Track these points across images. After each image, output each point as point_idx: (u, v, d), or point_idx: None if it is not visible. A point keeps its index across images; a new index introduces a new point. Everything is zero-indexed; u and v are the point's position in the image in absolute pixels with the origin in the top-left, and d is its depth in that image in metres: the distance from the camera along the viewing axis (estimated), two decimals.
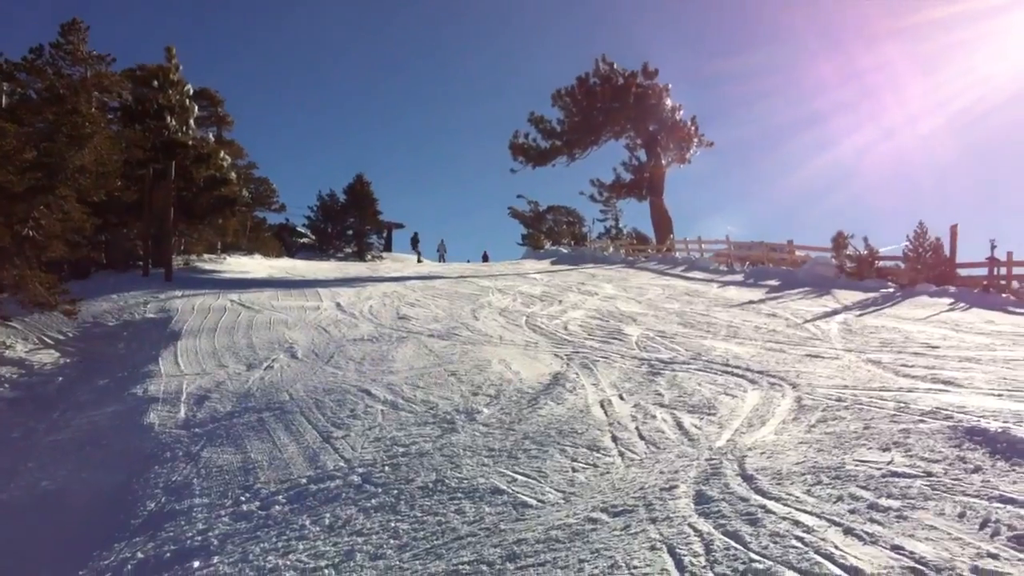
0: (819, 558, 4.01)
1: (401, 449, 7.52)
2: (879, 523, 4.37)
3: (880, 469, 5.25)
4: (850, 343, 10.83)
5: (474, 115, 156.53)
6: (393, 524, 5.69)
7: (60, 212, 20.09)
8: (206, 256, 36.22)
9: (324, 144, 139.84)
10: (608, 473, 6.09)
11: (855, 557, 3.97)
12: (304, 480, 7.13)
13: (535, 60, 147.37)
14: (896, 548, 4.03)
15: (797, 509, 4.72)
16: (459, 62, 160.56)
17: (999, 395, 7.16)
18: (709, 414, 7.48)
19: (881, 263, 21.29)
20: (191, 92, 36.78)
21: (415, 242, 51.68)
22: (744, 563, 4.09)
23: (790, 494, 4.99)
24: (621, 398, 8.49)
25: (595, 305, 17.36)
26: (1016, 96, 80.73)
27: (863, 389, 7.82)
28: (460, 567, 4.74)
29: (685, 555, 4.29)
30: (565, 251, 45.26)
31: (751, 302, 16.66)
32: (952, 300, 15.70)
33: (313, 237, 55.66)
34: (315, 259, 46.76)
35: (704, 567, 4.13)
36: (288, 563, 5.38)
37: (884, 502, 4.66)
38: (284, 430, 8.90)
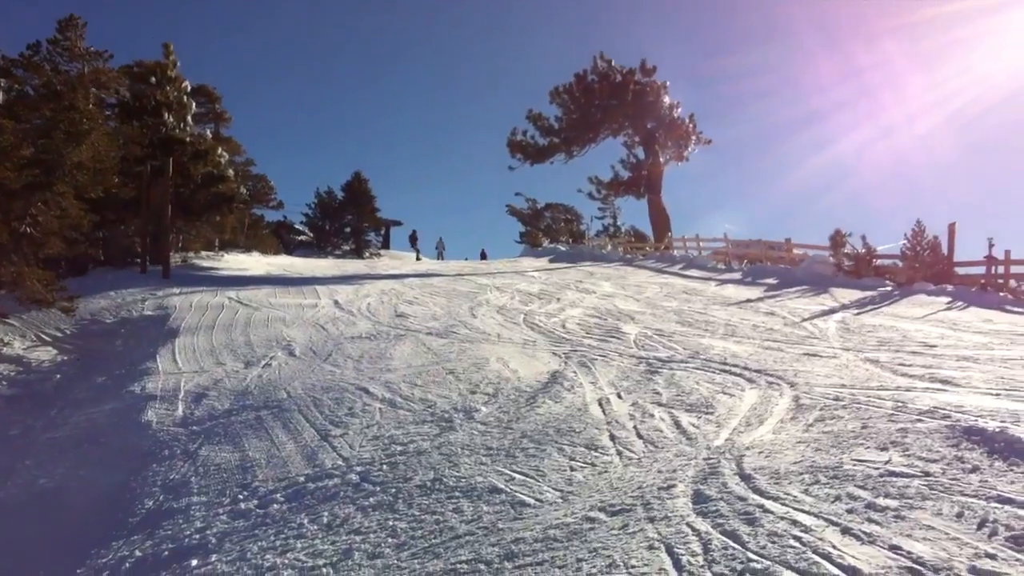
0: (817, 558, 4.01)
1: (399, 448, 7.52)
2: (877, 523, 4.38)
3: (878, 468, 5.25)
4: (848, 342, 10.83)
5: (472, 112, 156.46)
6: (391, 523, 5.69)
7: (58, 209, 20.07)
8: (204, 253, 36.17)
9: (322, 141, 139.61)
10: (606, 472, 6.09)
11: (853, 557, 3.97)
12: (302, 478, 7.13)
13: (533, 57, 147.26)
14: (894, 548, 4.03)
15: (795, 508, 4.72)
16: (457, 59, 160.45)
17: (997, 394, 7.16)
18: (707, 413, 7.48)
19: (879, 262, 21.28)
20: (189, 88, 36.69)
21: (414, 240, 51.62)
22: (742, 563, 4.09)
23: (788, 493, 5.00)
24: (619, 397, 8.49)
25: (593, 303, 17.36)
26: (1014, 95, 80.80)
27: (861, 388, 7.83)
28: (458, 566, 4.74)
29: (683, 554, 4.30)
30: (563, 249, 45.24)
31: (749, 300, 16.67)
32: (950, 299, 15.71)
33: (311, 234, 55.60)
34: (313, 257, 46.73)
35: (702, 566, 4.14)
36: (286, 562, 5.39)
37: (882, 502, 4.67)
38: (282, 428, 8.90)
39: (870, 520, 4.42)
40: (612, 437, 6.99)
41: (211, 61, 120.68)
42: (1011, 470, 4.99)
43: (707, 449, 6.30)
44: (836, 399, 7.41)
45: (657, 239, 41.25)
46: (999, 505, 4.44)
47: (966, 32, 60.70)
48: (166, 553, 6.15)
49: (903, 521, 4.36)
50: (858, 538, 4.21)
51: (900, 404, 6.96)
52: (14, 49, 29.71)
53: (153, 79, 34.15)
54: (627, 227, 60.07)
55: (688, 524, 4.71)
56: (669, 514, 4.92)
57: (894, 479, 5.02)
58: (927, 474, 5.06)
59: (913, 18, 70.80)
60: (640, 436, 6.95)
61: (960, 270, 19.21)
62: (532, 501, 5.65)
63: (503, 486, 6.05)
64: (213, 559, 5.79)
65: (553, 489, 5.84)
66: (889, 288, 18.15)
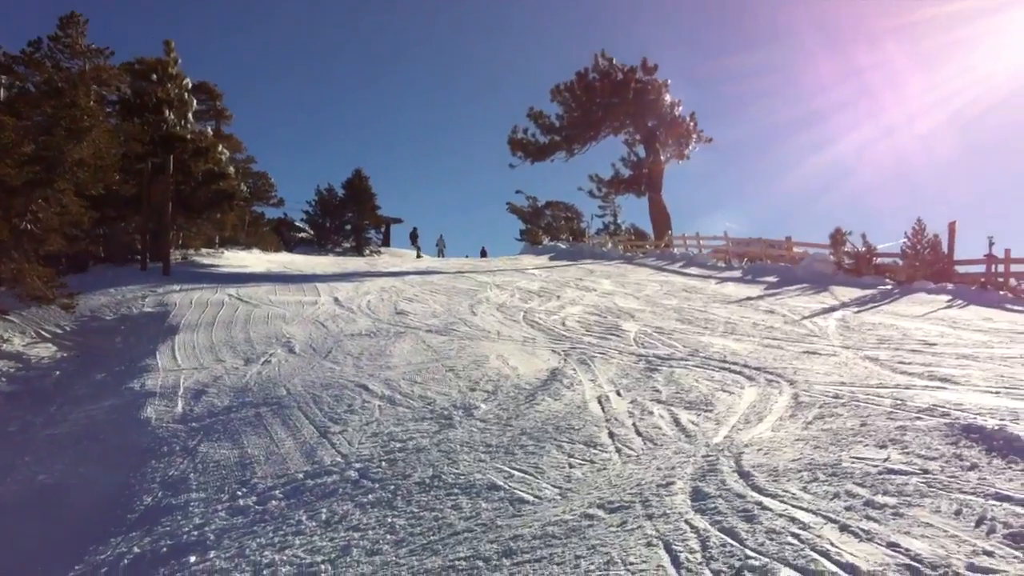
0: (815, 555, 4.01)
1: (398, 444, 7.52)
2: (875, 520, 4.38)
3: (876, 466, 5.25)
4: (847, 340, 10.83)
5: (473, 110, 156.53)
6: (390, 520, 5.70)
7: (58, 206, 20.09)
8: (204, 250, 36.17)
9: (323, 139, 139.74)
10: (605, 469, 6.09)
11: (851, 554, 3.97)
12: (301, 475, 7.13)
13: (534, 55, 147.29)
14: (892, 545, 4.03)
15: (793, 506, 4.72)
16: (458, 57, 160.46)
17: (996, 392, 7.16)
18: (706, 410, 7.48)
19: (879, 260, 21.27)
20: (190, 86, 36.72)
21: (414, 237, 51.59)
22: (740, 560, 4.09)
23: (786, 491, 5.00)
24: (618, 394, 8.49)
25: (593, 301, 17.35)
26: (1014, 94, 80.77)
27: (860, 386, 7.83)
28: (456, 563, 4.74)
29: (681, 552, 4.30)
30: (563, 247, 45.20)
31: (749, 298, 16.65)
32: (950, 297, 15.70)
33: (311, 232, 55.59)
34: (313, 254, 46.73)
35: (700, 563, 4.14)
36: (285, 558, 5.39)
37: (880, 499, 4.66)
38: (281, 425, 8.90)
39: (868, 517, 4.42)
40: (611, 434, 6.99)
41: (212, 58, 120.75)
42: (1009, 468, 4.99)
43: (706, 446, 6.30)
44: (835, 397, 7.41)
45: (657, 237, 41.23)
46: (997, 503, 4.44)
47: (966, 32, 60.73)
48: (165, 550, 6.16)
49: (901, 518, 4.36)
50: (856, 535, 4.21)
51: (899, 402, 6.96)
52: (15, 46, 29.67)
53: (154, 76, 34.17)
54: (627, 225, 60.02)
55: (686, 521, 4.71)
56: (668, 511, 4.92)
57: (893, 476, 5.02)
58: (926, 472, 5.06)
59: (913, 18, 70.88)
60: (639, 433, 6.95)
61: (960, 268, 19.21)
62: (531, 498, 5.65)
63: (502, 483, 6.05)
64: (211, 556, 5.79)
65: (552, 486, 5.84)
66: (889, 286, 18.14)
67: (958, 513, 4.37)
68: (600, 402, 8.18)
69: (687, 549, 4.32)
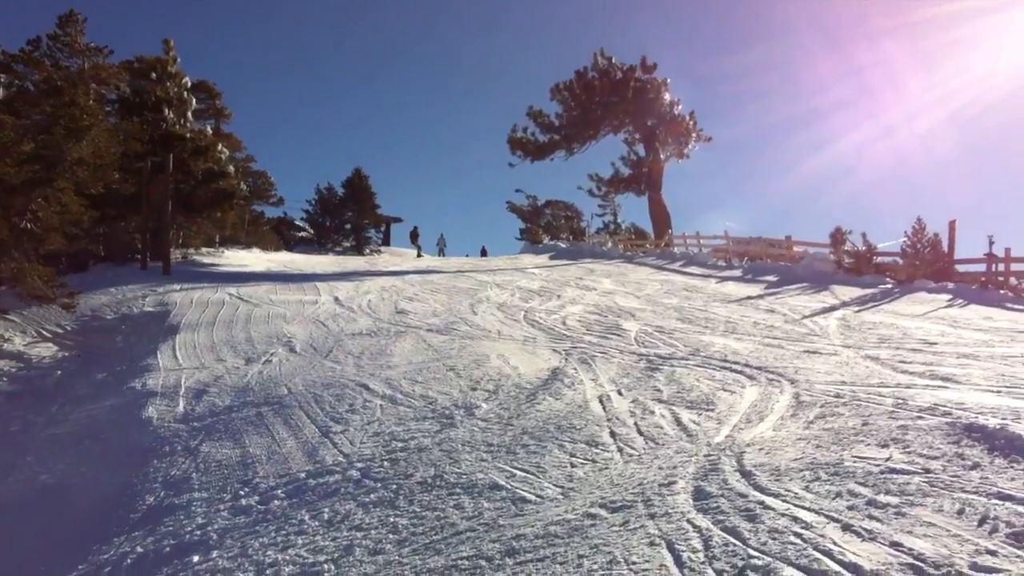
0: (818, 554, 4.02)
1: (400, 444, 7.53)
2: (878, 519, 4.38)
3: (878, 465, 5.26)
4: (848, 339, 10.83)
5: (473, 109, 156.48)
6: (392, 519, 5.70)
7: (58, 205, 20.09)
8: (204, 250, 36.20)
9: (322, 138, 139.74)
10: (607, 469, 6.09)
11: (854, 553, 3.98)
12: (303, 475, 7.14)
13: (534, 54, 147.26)
14: (895, 544, 4.04)
15: (795, 505, 4.73)
16: (458, 56, 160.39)
17: (997, 391, 7.16)
18: (707, 410, 7.48)
19: (879, 259, 21.27)
20: (189, 84, 36.70)
21: (414, 236, 51.53)
22: (743, 559, 4.10)
23: (788, 490, 5.00)
24: (619, 393, 8.49)
25: (593, 300, 17.35)
26: (1014, 94, 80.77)
27: (861, 385, 7.83)
28: (459, 562, 4.75)
29: (684, 551, 4.30)
30: (563, 246, 45.20)
31: (749, 298, 16.66)
32: (950, 296, 15.70)
33: (311, 231, 55.60)
34: (313, 253, 46.76)
35: (703, 563, 4.14)
36: (287, 558, 5.39)
37: (883, 498, 4.67)
38: (283, 424, 8.90)
39: (871, 517, 4.43)
40: (613, 434, 7.00)
41: (211, 57, 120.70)
42: (1011, 467, 4.99)
43: (708, 446, 6.30)
44: (837, 396, 7.42)
45: (657, 236, 41.21)
46: (1000, 502, 4.44)
47: (966, 31, 60.73)
48: (167, 549, 6.16)
49: (904, 518, 4.37)
50: (859, 535, 4.21)
51: (901, 401, 6.96)
52: (14, 45, 29.68)
53: (153, 75, 34.16)
54: (627, 224, 60.01)
55: (689, 521, 4.72)
56: (670, 511, 4.93)
57: (895, 476, 5.03)
58: (928, 471, 5.06)
59: (913, 17, 70.80)
60: (641, 433, 6.95)
61: (960, 268, 19.20)
62: (533, 497, 5.65)
63: (504, 483, 6.06)
64: (214, 555, 5.80)
65: (554, 486, 5.85)
66: (889, 285, 18.14)
67: (960, 512, 4.37)
68: (601, 401, 8.19)
69: (690, 548, 4.33)
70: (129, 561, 6.21)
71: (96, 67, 30.96)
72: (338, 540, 5.52)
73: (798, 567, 3.93)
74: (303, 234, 56.07)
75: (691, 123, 42.61)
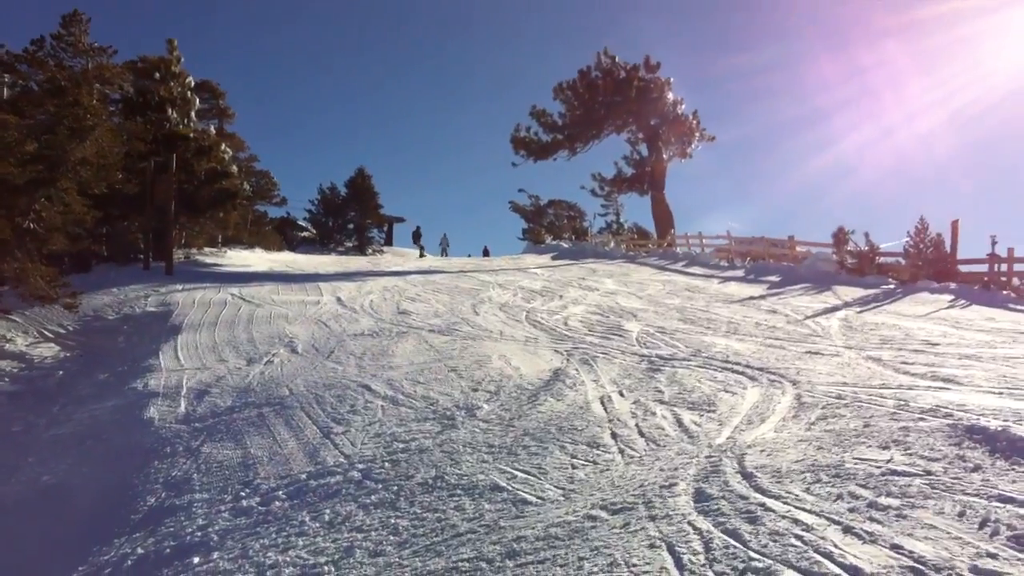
0: (818, 557, 4.01)
1: (401, 445, 7.53)
2: (878, 522, 4.37)
3: (880, 467, 5.25)
4: (850, 340, 10.82)
5: (475, 108, 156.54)
6: (393, 520, 5.70)
7: (61, 205, 20.13)
8: (207, 250, 36.26)
9: (325, 138, 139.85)
10: (608, 470, 6.09)
11: (854, 556, 3.97)
12: (304, 476, 7.14)
13: (537, 54, 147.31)
14: (895, 547, 4.03)
15: (796, 507, 4.72)
16: (460, 55, 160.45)
17: (999, 393, 7.15)
18: (709, 411, 7.48)
19: (882, 259, 21.25)
20: (192, 84, 36.76)
21: (417, 236, 51.52)
22: (743, 561, 4.09)
23: (789, 492, 4.99)
24: (621, 394, 8.49)
25: (595, 300, 17.35)
26: (1015, 93, 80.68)
27: (863, 386, 7.82)
28: (460, 564, 4.75)
29: (684, 553, 4.30)
30: (566, 246, 45.16)
31: (751, 298, 16.64)
32: (952, 297, 15.67)
33: (314, 231, 55.65)
34: (316, 253, 46.80)
35: (703, 565, 4.14)
36: (288, 559, 5.39)
37: (883, 500, 4.66)
38: (284, 425, 8.90)
39: (872, 519, 4.42)
40: (614, 435, 6.99)
41: (215, 57, 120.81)
42: (1013, 469, 4.98)
43: (709, 447, 6.30)
44: (838, 397, 7.41)
45: (660, 236, 41.21)
46: (1001, 504, 4.43)
47: (968, 31, 60.64)
48: (168, 550, 6.17)
49: (905, 520, 4.36)
50: (860, 537, 4.20)
51: (902, 403, 6.95)
52: (18, 44, 29.77)
53: (157, 75, 34.22)
54: (630, 224, 60.07)
55: (690, 523, 4.71)
56: (671, 513, 4.92)
57: (896, 478, 5.02)
58: (929, 473, 5.05)
59: (917, 16, 70.69)
60: (642, 434, 6.95)
61: (963, 268, 19.18)
62: (534, 499, 5.65)
63: (505, 484, 6.05)
64: (215, 556, 5.80)
65: (555, 487, 5.84)
66: (892, 286, 18.12)
67: (962, 515, 4.36)
68: (603, 402, 8.18)
69: (690, 551, 4.32)
70: (130, 562, 6.22)
71: (100, 67, 31.01)
72: (339, 541, 5.51)
73: (799, 570, 3.92)
74: (306, 234, 56.12)
75: (694, 123, 42.60)
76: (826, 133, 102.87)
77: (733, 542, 4.35)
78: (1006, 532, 4.09)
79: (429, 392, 9.47)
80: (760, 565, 4.02)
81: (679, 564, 4.19)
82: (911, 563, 3.85)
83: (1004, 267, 17.75)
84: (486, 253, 54.36)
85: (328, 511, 6.16)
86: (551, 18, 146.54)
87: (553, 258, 36.95)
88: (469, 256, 50.05)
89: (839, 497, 4.81)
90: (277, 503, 6.60)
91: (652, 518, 4.88)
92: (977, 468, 5.06)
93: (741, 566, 4.05)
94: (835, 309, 14.20)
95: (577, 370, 9.89)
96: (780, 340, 11.07)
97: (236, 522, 6.40)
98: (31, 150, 19.33)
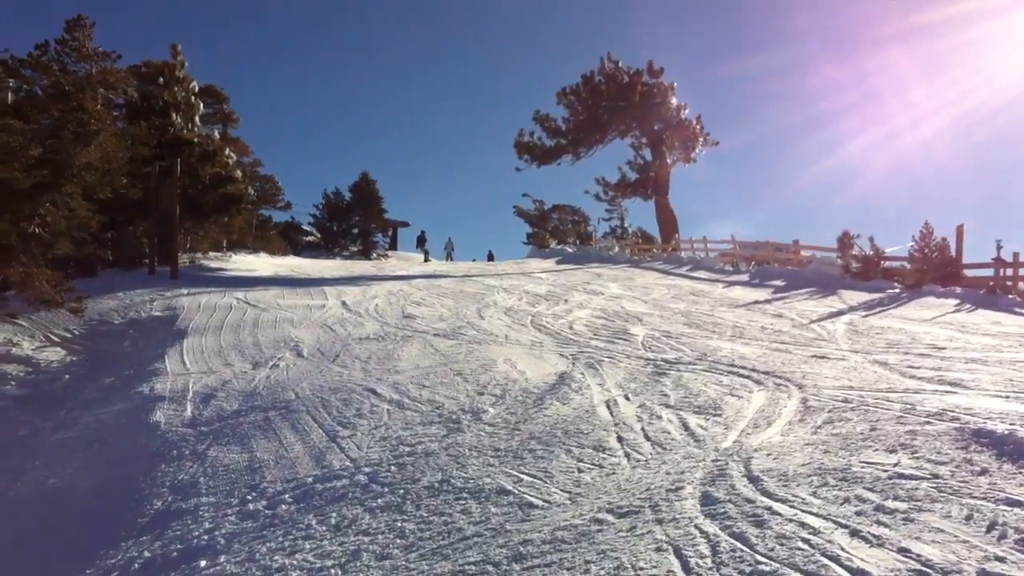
0: (826, 560, 4.01)
1: (407, 449, 7.53)
2: (886, 525, 4.37)
3: (887, 471, 5.25)
4: (856, 344, 10.81)
5: (479, 113, 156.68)
6: (399, 524, 5.70)
7: (66, 209, 20.19)
8: (212, 254, 36.32)
9: (329, 142, 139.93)
10: (614, 474, 6.09)
11: (862, 559, 3.97)
12: (310, 479, 7.14)
13: (541, 59, 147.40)
14: (903, 550, 4.03)
15: (803, 511, 4.72)
16: (464, 61, 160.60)
17: (1006, 397, 7.15)
18: (715, 415, 7.48)
19: (887, 263, 21.24)
20: (197, 89, 36.78)
21: (421, 241, 51.54)
22: (750, 565, 4.09)
23: (796, 496, 4.99)
24: (627, 398, 8.49)
25: (600, 305, 17.36)
26: (1021, 97, 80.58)
27: (869, 390, 7.82)
28: (466, 567, 4.75)
29: (691, 557, 4.30)
30: (570, 250, 45.22)
31: (756, 302, 16.65)
32: (958, 301, 15.67)
33: (318, 235, 55.73)
34: (320, 257, 46.87)
35: (710, 568, 4.13)
36: (294, 563, 5.39)
37: (891, 504, 4.66)
38: (290, 429, 8.91)
39: (879, 523, 4.42)
40: (620, 439, 6.99)
41: (219, 61, 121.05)
42: (1020, 473, 4.98)
43: (715, 451, 6.30)
44: (844, 401, 7.41)
45: (664, 241, 41.25)
46: (1008, 508, 4.43)
47: (973, 35, 60.63)
48: (175, 554, 6.17)
49: (912, 524, 4.36)
50: (867, 540, 4.20)
51: (909, 406, 6.95)
52: (22, 49, 29.85)
53: (161, 79, 34.26)
54: (634, 229, 60.06)
55: (696, 526, 4.71)
56: (677, 516, 4.92)
57: (903, 481, 5.02)
58: (936, 476, 5.05)
59: (920, 21, 70.69)
60: (648, 438, 6.95)
61: (969, 272, 19.16)
62: (540, 503, 5.65)
63: (511, 487, 6.05)
64: (222, 560, 5.80)
65: (561, 491, 5.85)
66: (897, 290, 18.12)
67: (969, 518, 4.36)
68: (608, 406, 8.18)
69: (697, 554, 4.32)
70: (137, 566, 6.22)
71: (104, 72, 31.02)
72: (345, 545, 5.52)
73: (806, 573, 3.92)
74: (310, 238, 56.23)
75: (698, 127, 42.65)
76: (831, 137, 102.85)
77: (740, 545, 4.35)
78: (1014, 535, 4.09)
79: (435, 396, 9.47)
80: (767, 568, 4.02)
81: (686, 567, 4.19)
82: (919, 566, 3.84)
83: (1010, 271, 17.73)
84: (491, 258, 54.41)
85: (334, 515, 6.16)
86: (556, 24, 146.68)
87: (558, 263, 36.98)
88: (474, 261, 50.09)
89: (846, 501, 4.81)
90: (283, 507, 6.60)
91: (659, 521, 4.88)
92: (984, 472, 5.06)
93: (748, 569, 4.05)
94: (840, 313, 14.20)
95: (583, 374, 9.89)
96: (786, 344, 11.07)
97: (243, 525, 6.40)
98: (36, 155, 19.40)
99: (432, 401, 9.23)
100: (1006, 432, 5.71)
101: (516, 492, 5.93)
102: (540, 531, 5.07)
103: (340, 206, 54.00)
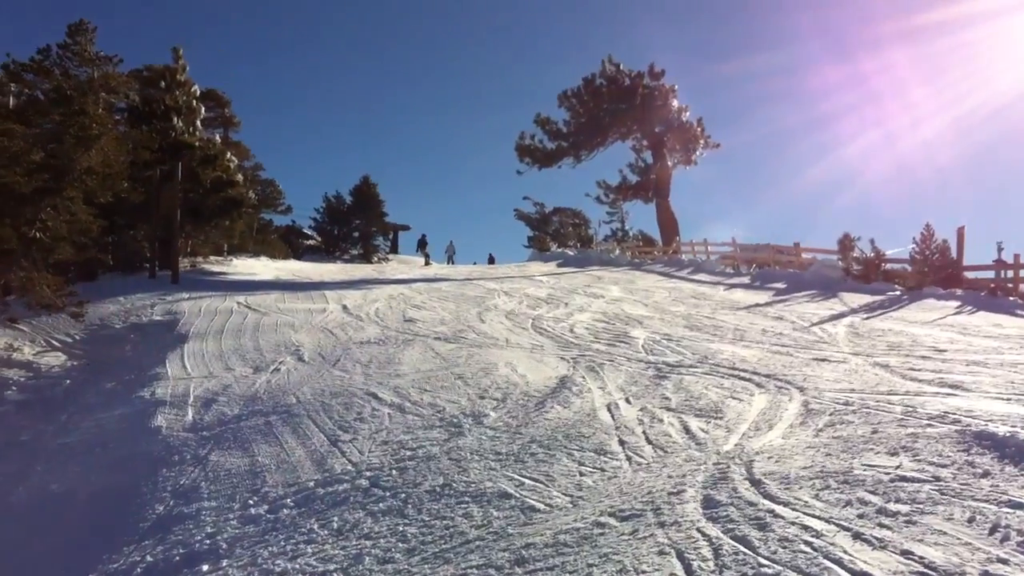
0: (828, 563, 4.01)
1: (408, 453, 7.53)
2: (888, 528, 4.37)
3: (888, 473, 5.24)
4: (857, 346, 10.81)
5: (480, 117, 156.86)
6: (401, 528, 5.70)
7: (67, 214, 20.20)
8: (213, 258, 36.32)
9: (330, 146, 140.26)
10: (616, 477, 6.09)
11: (864, 562, 3.97)
12: (312, 484, 7.14)
13: (542, 62, 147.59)
14: (905, 553, 4.03)
15: (805, 514, 4.72)
16: (465, 64, 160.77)
17: (1007, 399, 7.14)
18: (716, 418, 7.47)
19: (888, 266, 21.22)
20: (198, 93, 36.79)
21: (422, 244, 51.55)
22: (753, 568, 4.09)
23: (798, 499, 4.99)
24: (628, 402, 8.48)
25: (601, 308, 17.36)
26: (1021, 98, 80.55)
27: (871, 393, 7.81)
28: (468, 571, 4.75)
29: (694, 560, 4.29)
30: (571, 253, 45.22)
31: (757, 305, 16.65)
32: (959, 303, 15.66)
33: (319, 239, 55.76)
34: (321, 261, 46.85)
35: (713, 571, 4.13)
36: (296, 567, 5.39)
37: (893, 507, 4.66)
38: (291, 433, 8.91)
39: (881, 525, 4.42)
40: (621, 442, 6.99)
41: (220, 66, 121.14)
42: (1022, 475, 4.98)
43: (717, 454, 6.29)
44: (846, 404, 7.40)
45: (665, 243, 41.21)
46: (1011, 510, 4.43)
47: (972, 36, 60.62)
48: (177, 558, 6.17)
49: (914, 526, 4.36)
50: (869, 543, 4.20)
51: (910, 409, 6.95)
52: (24, 54, 29.88)
53: (162, 83, 34.30)
54: (635, 231, 60.05)
55: (698, 529, 4.71)
56: (679, 519, 4.92)
57: (905, 484, 5.01)
58: (938, 479, 5.05)
59: (919, 22, 70.70)
60: (649, 441, 6.94)
61: (969, 274, 19.15)
62: (542, 506, 5.65)
63: (513, 491, 6.05)
64: (224, 564, 5.80)
65: (563, 494, 5.84)
66: (898, 292, 18.11)
67: (971, 520, 4.36)
68: (610, 409, 8.18)
69: (699, 557, 4.32)
70: (139, 570, 6.22)
71: (105, 76, 31.08)
72: (347, 549, 5.52)
73: None
74: (311, 242, 56.26)
75: (699, 130, 42.63)
76: (831, 139, 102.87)
77: (743, 548, 4.35)
78: (1016, 538, 4.09)
79: (436, 400, 9.47)
80: (770, 571, 4.02)
81: (688, 571, 4.19)
82: (921, 569, 3.84)
83: (1011, 273, 17.72)
84: (491, 261, 54.45)
85: (336, 519, 6.16)
86: (556, 27, 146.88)
87: (558, 265, 36.97)
88: (475, 264, 50.12)
89: (848, 503, 4.81)
90: (285, 511, 6.60)
91: (661, 525, 4.88)
92: (986, 474, 5.06)
93: (751, 572, 4.05)
94: (841, 316, 14.19)
95: (584, 377, 9.89)
96: (787, 347, 11.07)
97: (245, 530, 6.41)
98: (37, 159, 19.43)
99: (433, 405, 9.23)
100: (1008, 434, 5.71)
101: (518, 496, 5.93)
102: (542, 535, 5.07)
103: (341, 210, 54.01)
